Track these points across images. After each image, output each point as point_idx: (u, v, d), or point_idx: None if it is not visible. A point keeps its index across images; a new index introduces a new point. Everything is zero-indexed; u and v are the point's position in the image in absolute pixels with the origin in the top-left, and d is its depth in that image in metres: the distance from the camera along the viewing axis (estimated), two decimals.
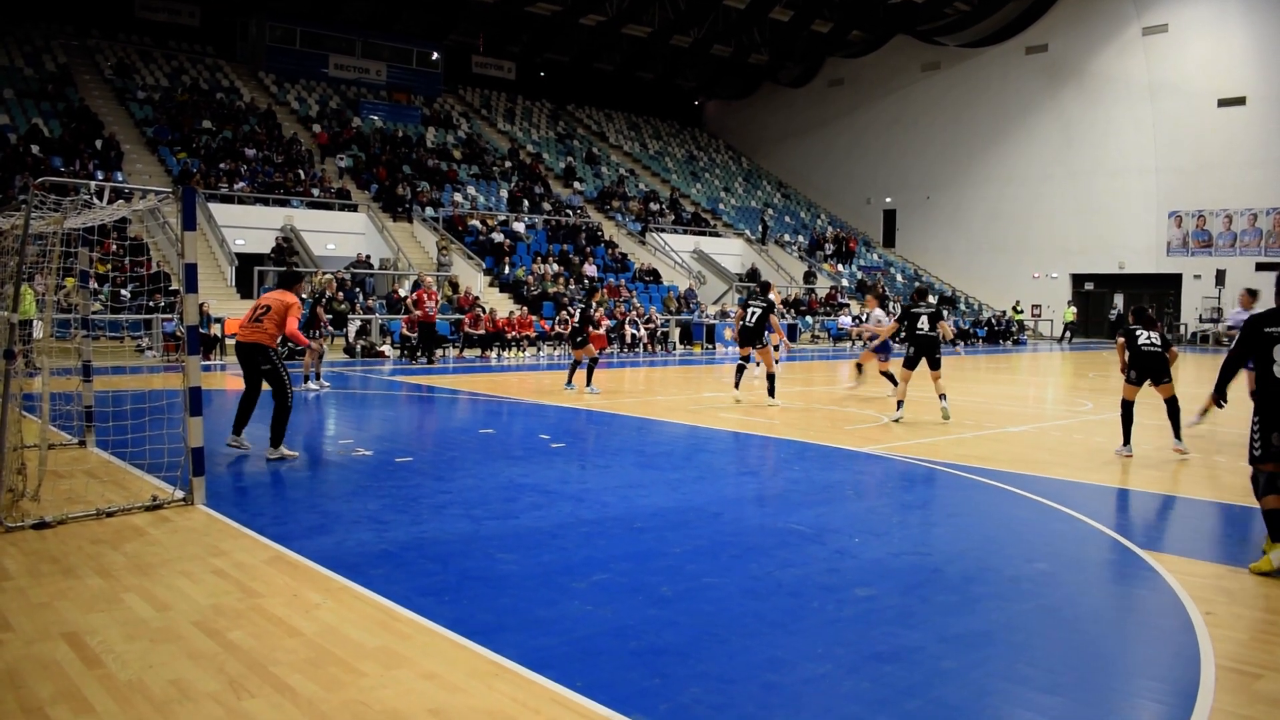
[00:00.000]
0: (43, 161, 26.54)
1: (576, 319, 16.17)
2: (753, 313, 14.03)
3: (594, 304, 17.03)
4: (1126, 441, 10.12)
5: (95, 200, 8.04)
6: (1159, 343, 10.07)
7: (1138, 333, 10.18)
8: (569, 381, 16.11)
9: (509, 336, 25.26)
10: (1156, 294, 38.29)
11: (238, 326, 9.48)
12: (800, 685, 4.03)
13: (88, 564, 5.54)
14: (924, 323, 12.59)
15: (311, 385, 15.63)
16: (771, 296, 14.74)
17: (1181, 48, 38.96)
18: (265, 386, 9.13)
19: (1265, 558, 5.79)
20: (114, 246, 22.15)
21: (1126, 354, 10.20)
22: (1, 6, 34.31)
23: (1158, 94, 39.65)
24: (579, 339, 15.91)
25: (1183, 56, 38.89)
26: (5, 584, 5.15)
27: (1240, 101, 37.50)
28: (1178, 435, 10.11)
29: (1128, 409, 10.18)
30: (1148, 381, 10.04)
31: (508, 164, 39.76)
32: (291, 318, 8.90)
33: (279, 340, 9.11)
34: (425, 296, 21.21)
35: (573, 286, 30.58)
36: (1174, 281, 39.06)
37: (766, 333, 14.34)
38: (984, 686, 4.09)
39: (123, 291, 22.48)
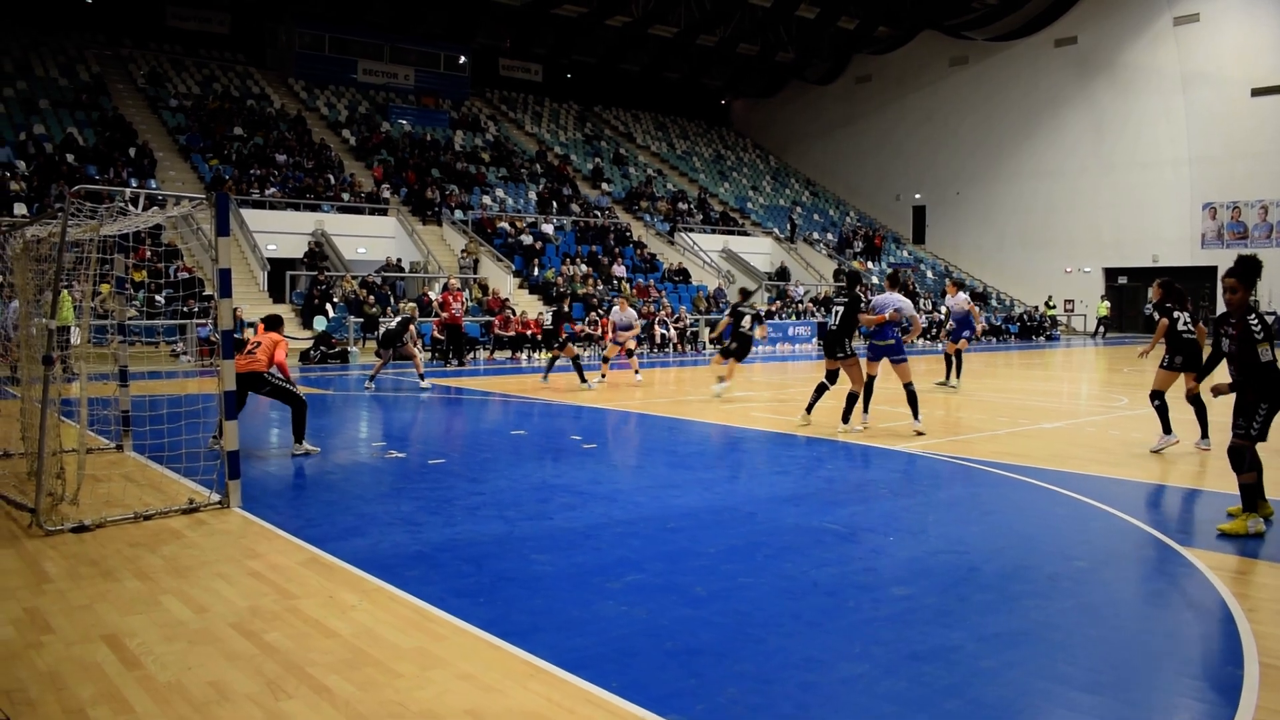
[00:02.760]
0: (78, 170, 26.91)
1: (550, 321, 17.63)
2: (836, 312, 11.51)
3: (566, 306, 18.21)
4: (1168, 430, 9.90)
5: (130, 207, 8.13)
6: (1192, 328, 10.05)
7: (1176, 314, 10.08)
8: (546, 376, 17.17)
9: (538, 338, 25.31)
10: (1191, 287, 37.73)
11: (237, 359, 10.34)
12: (837, 685, 4.00)
13: (126, 567, 5.60)
14: (746, 322, 14.63)
15: (424, 384, 16.37)
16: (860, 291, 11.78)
17: (1214, 37, 38.40)
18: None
19: (1239, 521, 6.29)
20: (149, 253, 22.41)
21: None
22: (35, 18, 34.87)
23: (1190, 84, 39.10)
24: (557, 341, 17.07)
25: (1215, 46, 38.33)
26: (46, 586, 5.22)
27: (1275, 90, 36.89)
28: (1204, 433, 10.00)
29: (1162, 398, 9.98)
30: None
31: (536, 166, 39.87)
32: (279, 352, 9.84)
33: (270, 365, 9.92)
34: (450, 299, 21.32)
35: (601, 288, 30.61)
36: (1209, 274, 38.46)
37: (847, 341, 11.29)
38: (1023, 686, 4.04)
39: (158, 297, 22.73)
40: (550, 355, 17.38)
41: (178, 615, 4.77)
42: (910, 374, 11.19)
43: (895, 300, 11.31)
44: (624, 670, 4.12)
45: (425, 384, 16.31)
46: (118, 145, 29.27)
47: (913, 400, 11.10)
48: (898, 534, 6.50)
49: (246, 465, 8.00)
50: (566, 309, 17.76)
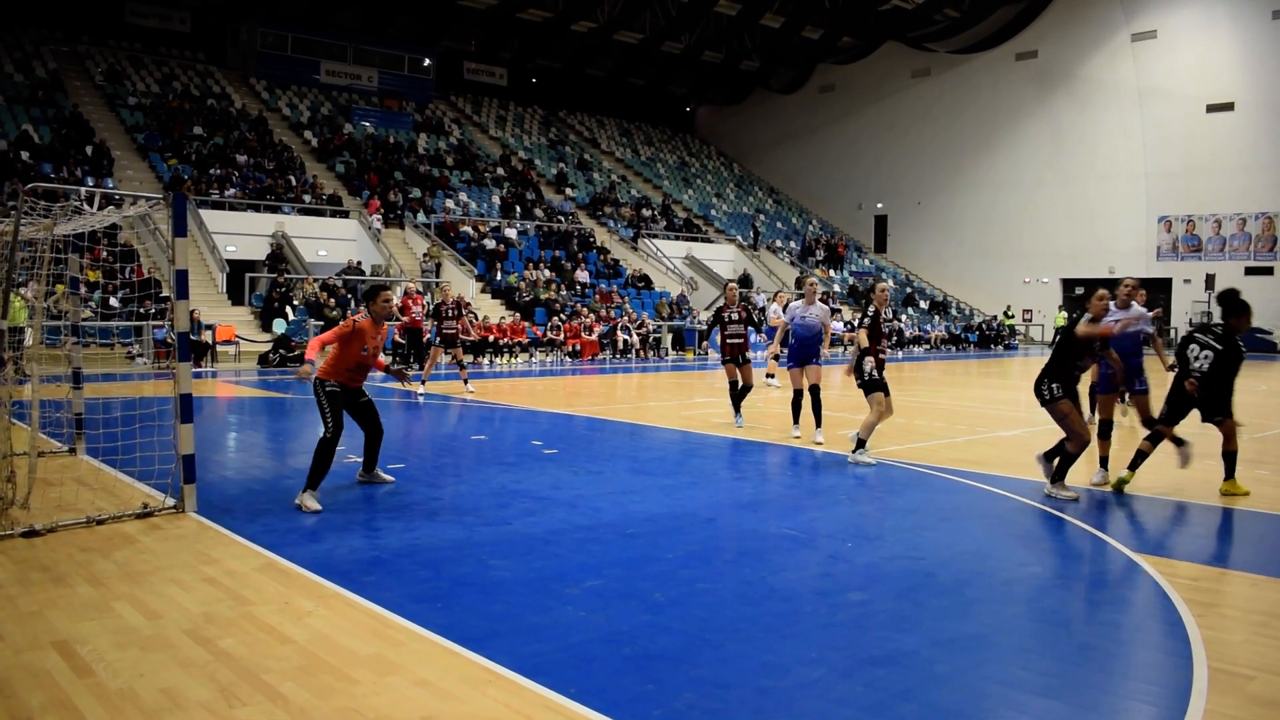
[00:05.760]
0: (33, 168, 26.45)
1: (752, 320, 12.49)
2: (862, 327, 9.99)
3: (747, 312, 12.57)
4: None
5: (86, 206, 8.02)
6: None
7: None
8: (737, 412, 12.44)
9: (501, 343, 25.24)
10: (1147, 298, 38.37)
11: None
12: (794, 690, 4.03)
13: (78, 572, 5.51)
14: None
15: (419, 388, 15.90)
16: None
17: (1170, 54, 39.15)
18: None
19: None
20: (104, 253, 22.07)
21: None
22: None
23: (1147, 99, 39.83)
24: (743, 357, 12.14)
25: (1171, 62, 39.09)
26: None
27: (1228, 107, 37.71)
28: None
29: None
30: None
31: (499, 170, 39.75)
32: (326, 335, 7.63)
33: (344, 368, 7.74)
34: (411, 303, 21.21)
35: (565, 293, 30.56)
36: (1164, 286, 39.19)
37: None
38: (978, 690, 4.09)
39: (113, 299, 22.40)
40: (737, 385, 12.23)
41: (130, 621, 4.70)
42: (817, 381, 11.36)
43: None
44: (582, 676, 4.12)
45: (419, 389, 15.82)
46: (74, 143, 28.81)
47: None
48: (855, 540, 6.55)
49: (203, 469, 7.90)
50: (758, 312, 11.72)
